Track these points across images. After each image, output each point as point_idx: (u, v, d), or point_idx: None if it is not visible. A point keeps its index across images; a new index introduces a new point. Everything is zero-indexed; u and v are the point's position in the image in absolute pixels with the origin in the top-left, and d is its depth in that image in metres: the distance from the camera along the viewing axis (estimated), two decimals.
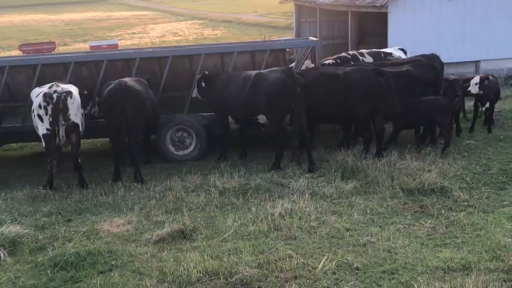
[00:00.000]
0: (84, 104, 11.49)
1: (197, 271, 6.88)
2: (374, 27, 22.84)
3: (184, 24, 62.00)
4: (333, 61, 14.22)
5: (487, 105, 13.59)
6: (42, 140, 10.88)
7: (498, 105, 14.81)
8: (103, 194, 10.32)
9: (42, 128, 10.73)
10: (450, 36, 20.68)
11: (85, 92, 11.91)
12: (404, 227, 8.21)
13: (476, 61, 21.41)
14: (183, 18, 69.92)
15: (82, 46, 42.88)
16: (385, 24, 20.70)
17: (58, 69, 13.04)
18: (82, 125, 11.12)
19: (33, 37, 50.32)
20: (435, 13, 21.06)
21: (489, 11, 21.46)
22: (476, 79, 13.18)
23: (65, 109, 10.63)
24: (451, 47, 19.62)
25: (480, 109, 13.83)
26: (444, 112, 12.07)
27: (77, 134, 10.94)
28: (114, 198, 10.11)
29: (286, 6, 48.37)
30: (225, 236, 8.10)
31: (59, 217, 9.33)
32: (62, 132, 10.67)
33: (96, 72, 12.93)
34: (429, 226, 8.16)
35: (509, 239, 7.53)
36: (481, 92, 13.12)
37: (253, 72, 11.83)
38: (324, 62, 14.03)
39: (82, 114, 11.29)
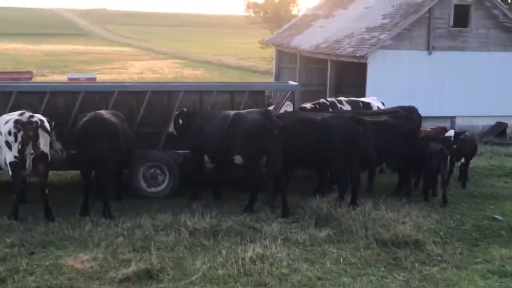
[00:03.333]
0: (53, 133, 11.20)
1: None
2: (352, 76, 23.08)
3: (164, 63, 62.12)
4: (312, 107, 14.21)
5: (462, 160, 13.62)
6: (9, 168, 10.54)
7: (472, 162, 14.88)
8: (70, 228, 9.99)
9: (9, 156, 10.42)
10: (427, 91, 20.97)
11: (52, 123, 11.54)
12: (377, 279, 8.08)
13: (452, 117, 21.68)
14: (164, 57, 70.11)
15: (60, 78, 42.55)
16: (364, 74, 20.92)
17: (34, 98, 12.74)
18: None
19: (12, 66, 49.86)
20: (413, 67, 21.39)
21: (466, 69, 21.89)
22: (451, 132, 13.18)
23: (36, 137, 10.37)
24: (427, 102, 19.79)
25: (455, 164, 13.83)
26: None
27: (46, 164, 10.65)
28: (81, 233, 9.79)
29: (267, 51, 48.93)
30: (193, 278, 7.89)
31: (22, 249, 8.99)
32: (29, 161, 10.38)
33: (72, 103, 12.66)
34: (402, 280, 8.07)
35: None
36: (455, 146, 13.03)
37: (232, 112, 11.75)
38: (303, 107, 14.01)
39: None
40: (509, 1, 34.33)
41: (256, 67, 54.14)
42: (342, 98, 14.81)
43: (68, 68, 52.17)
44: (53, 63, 57.52)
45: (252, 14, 55.43)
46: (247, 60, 61.94)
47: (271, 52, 44.35)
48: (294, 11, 52.22)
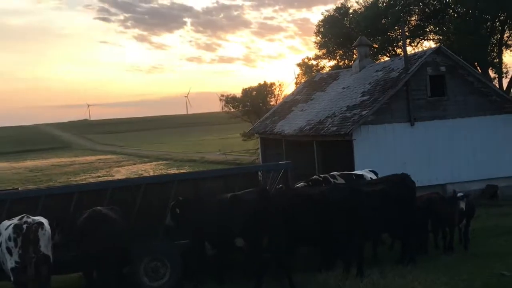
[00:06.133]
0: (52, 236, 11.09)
1: None
2: (339, 154, 23.34)
3: (149, 165, 62.33)
4: (305, 185, 14.28)
5: (464, 222, 13.73)
6: (11, 275, 10.34)
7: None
8: None
9: (10, 262, 10.25)
10: (414, 161, 21.25)
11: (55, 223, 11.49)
12: None
13: (443, 184, 21.85)
14: (148, 160, 70.41)
15: None
16: (350, 151, 21.22)
17: (28, 204, 12.67)
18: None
19: None
20: (398, 139, 21.82)
21: (450, 136, 22.35)
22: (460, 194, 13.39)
23: (36, 240, 10.26)
24: (416, 172, 19.93)
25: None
26: None
27: (47, 267, 10.47)
28: None
29: (249, 143, 49.55)
30: None
31: None
32: (31, 265, 10.21)
33: (68, 205, 12.59)
34: None
35: None
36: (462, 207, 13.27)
37: (228, 195, 11.76)
38: (297, 186, 14.08)
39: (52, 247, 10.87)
40: (480, 71, 35.55)
41: (240, 159, 54.56)
42: (334, 173, 14.93)
43: (53, 182, 52.13)
44: (38, 178, 57.41)
45: (232, 109, 56.37)
46: (230, 154, 62.45)
47: (254, 143, 44.98)
48: (272, 101, 53.18)
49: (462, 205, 13.14)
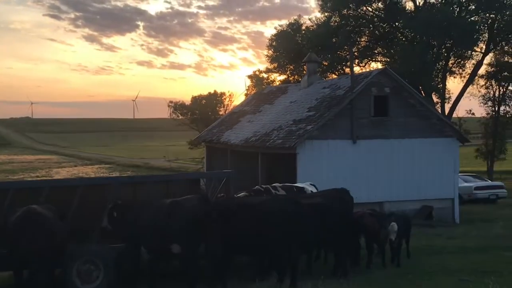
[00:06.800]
0: None
1: None
2: (282, 167, 23.54)
3: (90, 168, 61.36)
4: (247, 194, 14.35)
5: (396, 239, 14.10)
6: None
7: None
8: None
9: None
10: (354, 177, 21.61)
11: None
12: None
13: (380, 202, 22.30)
14: (89, 163, 69.32)
15: None
16: (294, 164, 21.44)
17: None
18: None
19: None
20: (340, 155, 22.18)
21: (390, 155, 22.87)
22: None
23: None
24: (355, 188, 20.25)
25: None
26: None
27: None
28: None
29: (195, 152, 49.35)
30: None
31: None
32: None
33: (2, 201, 12.28)
34: None
35: None
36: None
37: (168, 200, 11.70)
38: (238, 195, 14.14)
39: None
40: (423, 94, 36.58)
41: (185, 167, 54.29)
42: (276, 184, 15.07)
43: None
44: None
45: (180, 116, 56.10)
46: (175, 161, 62.10)
47: (200, 152, 44.84)
48: (221, 111, 53.24)
49: (395, 227, 13.47)
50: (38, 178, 50.31)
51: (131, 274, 11.96)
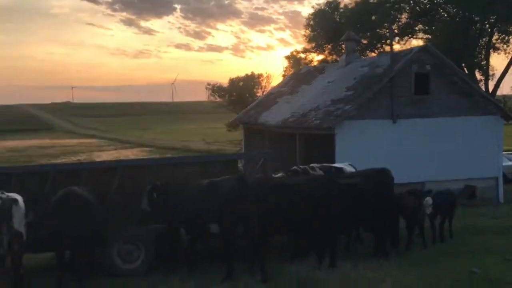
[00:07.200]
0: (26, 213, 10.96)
1: None
2: (321, 147, 23.32)
3: (130, 151, 62.05)
4: (284, 175, 14.25)
5: (438, 219, 13.88)
6: None
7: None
8: None
9: None
10: (395, 158, 21.17)
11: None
12: None
13: (422, 182, 21.89)
14: (130, 146, 70.10)
15: None
16: (332, 145, 21.21)
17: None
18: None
19: None
20: (379, 135, 21.80)
21: (431, 135, 22.41)
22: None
23: (9, 217, 10.14)
24: (396, 169, 19.99)
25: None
26: None
27: (20, 244, 10.34)
28: None
29: (234, 134, 49.48)
30: None
31: None
32: (4, 241, 10.10)
33: (44, 184, 12.48)
34: None
35: None
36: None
37: (206, 181, 11.69)
38: (276, 176, 14.04)
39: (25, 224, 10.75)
40: (466, 71, 35.76)
41: (224, 150, 54.47)
42: (314, 165, 14.92)
43: (33, 163, 51.61)
44: (16, 159, 56.87)
45: (218, 99, 56.25)
46: (214, 144, 62.35)
47: (238, 134, 44.92)
48: (259, 93, 53.13)
49: (429, 201, 13.20)
50: (79, 161, 51.45)
51: (170, 254, 12.02)
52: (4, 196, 10.33)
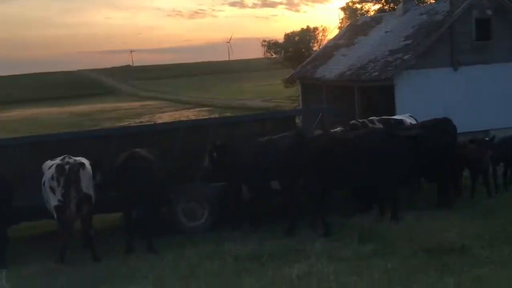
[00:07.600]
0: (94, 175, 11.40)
1: None
2: (380, 100, 23.06)
3: (191, 112, 62.79)
4: (342, 129, 14.19)
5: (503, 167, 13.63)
6: (54, 212, 10.74)
7: None
8: (117, 266, 10.07)
9: (54, 200, 10.63)
10: (457, 106, 20.77)
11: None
12: (428, 284, 7.91)
13: (486, 130, 21.39)
14: (190, 106, 70.86)
15: None
16: (392, 96, 20.92)
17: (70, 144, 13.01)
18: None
19: (40, 130, 50.81)
20: (440, 84, 21.35)
21: (494, 81, 21.77)
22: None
23: (77, 180, 10.59)
24: (458, 117, 19.60)
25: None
26: None
27: (89, 206, 10.82)
28: (128, 269, 9.84)
29: (291, 90, 49.15)
30: None
31: None
32: (73, 204, 10.59)
33: (108, 147, 12.90)
34: (454, 283, 7.87)
35: None
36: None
37: (264, 139, 11.83)
38: (335, 130, 14.01)
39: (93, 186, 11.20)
40: None
41: (281, 106, 54.33)
42: (373, 118, 14.78)
43: (98, 127, 53.01)
44: (82, 123, 58.46)
45: (273, 55, 55.86)
46: (271, 101, 62.29)
47: (295, 90, 44.69)
48: (315, 47, 52.40)
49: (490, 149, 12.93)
50: (142, 123, 52.54)
51: (234, 212, 12.32)
52: (71, 160, 10.77)
